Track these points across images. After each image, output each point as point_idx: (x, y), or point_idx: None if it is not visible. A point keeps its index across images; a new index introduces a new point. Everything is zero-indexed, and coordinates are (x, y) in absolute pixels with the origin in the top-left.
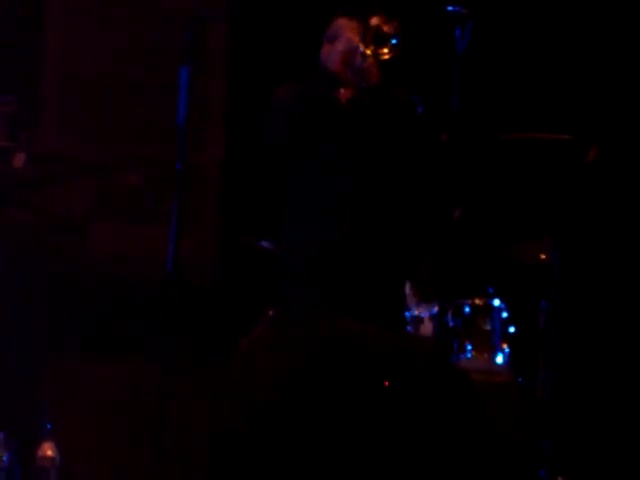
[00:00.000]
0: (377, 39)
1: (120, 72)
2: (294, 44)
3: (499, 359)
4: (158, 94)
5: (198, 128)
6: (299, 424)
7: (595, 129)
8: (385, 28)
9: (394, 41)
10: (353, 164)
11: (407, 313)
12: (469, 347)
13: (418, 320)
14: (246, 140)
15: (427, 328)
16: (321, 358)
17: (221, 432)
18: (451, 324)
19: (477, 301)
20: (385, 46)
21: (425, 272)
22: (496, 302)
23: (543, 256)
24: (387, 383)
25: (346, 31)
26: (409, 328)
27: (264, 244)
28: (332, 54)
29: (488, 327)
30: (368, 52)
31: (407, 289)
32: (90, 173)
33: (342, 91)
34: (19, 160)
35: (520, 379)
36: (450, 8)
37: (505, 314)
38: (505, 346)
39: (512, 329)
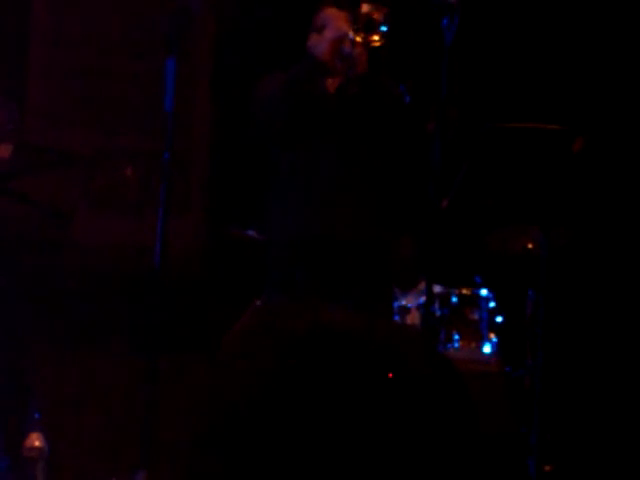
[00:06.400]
0: (367, 26)
1: (106, 62)
2: (282, 31)
3: (487, 349)
4: (144, 83)
5: (185, 117)
6: (284, 414)
7: (582, 119)
8: (375, 15)
9: (384, 28)
10: (340, 152)
11: (395, 303)
12: (456, 337)
13: (405, 310)
14: (233, 129)
15: (414, 318)
16: (306, 347)
17: (206, 422)
18: (438, 314)
19: (464, 291)
20: (375, 33)
21: (406, 261)
22: (483, 292)
23: (530, 245)
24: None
25: (335, 20)
26: (396, 317)
27: (251, 233)
28: (320, 42)
29: (475, 317)
30: (359, 39)
31: None
32: (77, 163)
33: (330, 81)
34: (5, 151)
35: (508, 368)
36: None
37: (492, 304)
38: (492, 336)
39: (499, 319)
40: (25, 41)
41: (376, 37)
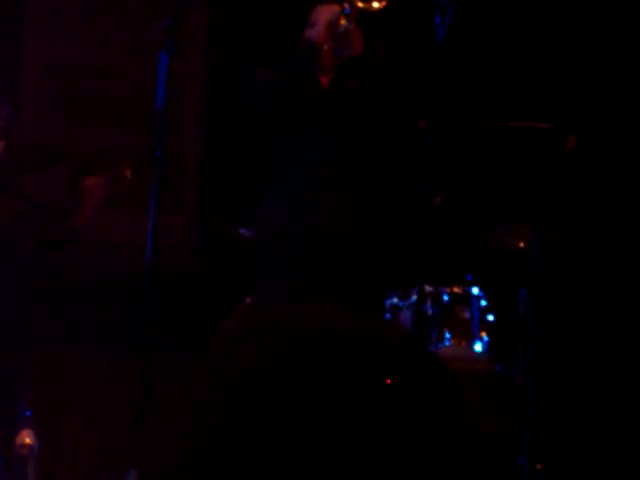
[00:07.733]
0: None
1: (99, 59)
2: (277, 29)
3: (478, 347)
4: (137, 81)
5: (177, 114)
6: (274, 412)
7: (575, 117)
8: None
9: None
10: (332, 146)
11: (386, 301)
12: (447, 335)
13: (397, 308)
14: (225, 125)
15: (405, 316)
16: (297, 345)
17: (199, 421)
18: (429, 312)
19: (456, 289)
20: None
21: (396, 261)
22: (475, 290)
23: (522, 244)
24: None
25: (328, 8)
26: (388, 316)
27: (243, 231)
28: (315, 27)
29: (467, 315)
30: (360, 4)
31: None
32: (71, 161)
33: (324, 78)
34: None
35: (499, 367)
36: None
37: (484, 302)
38: (484, 334)
39: (491, 317)
40: (19, 38)
41: (376, 4)
